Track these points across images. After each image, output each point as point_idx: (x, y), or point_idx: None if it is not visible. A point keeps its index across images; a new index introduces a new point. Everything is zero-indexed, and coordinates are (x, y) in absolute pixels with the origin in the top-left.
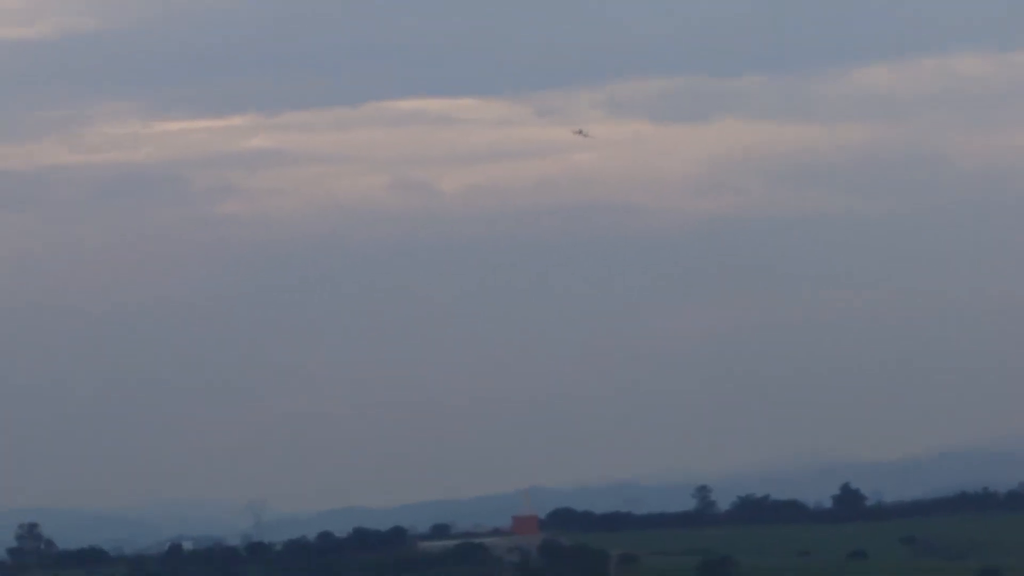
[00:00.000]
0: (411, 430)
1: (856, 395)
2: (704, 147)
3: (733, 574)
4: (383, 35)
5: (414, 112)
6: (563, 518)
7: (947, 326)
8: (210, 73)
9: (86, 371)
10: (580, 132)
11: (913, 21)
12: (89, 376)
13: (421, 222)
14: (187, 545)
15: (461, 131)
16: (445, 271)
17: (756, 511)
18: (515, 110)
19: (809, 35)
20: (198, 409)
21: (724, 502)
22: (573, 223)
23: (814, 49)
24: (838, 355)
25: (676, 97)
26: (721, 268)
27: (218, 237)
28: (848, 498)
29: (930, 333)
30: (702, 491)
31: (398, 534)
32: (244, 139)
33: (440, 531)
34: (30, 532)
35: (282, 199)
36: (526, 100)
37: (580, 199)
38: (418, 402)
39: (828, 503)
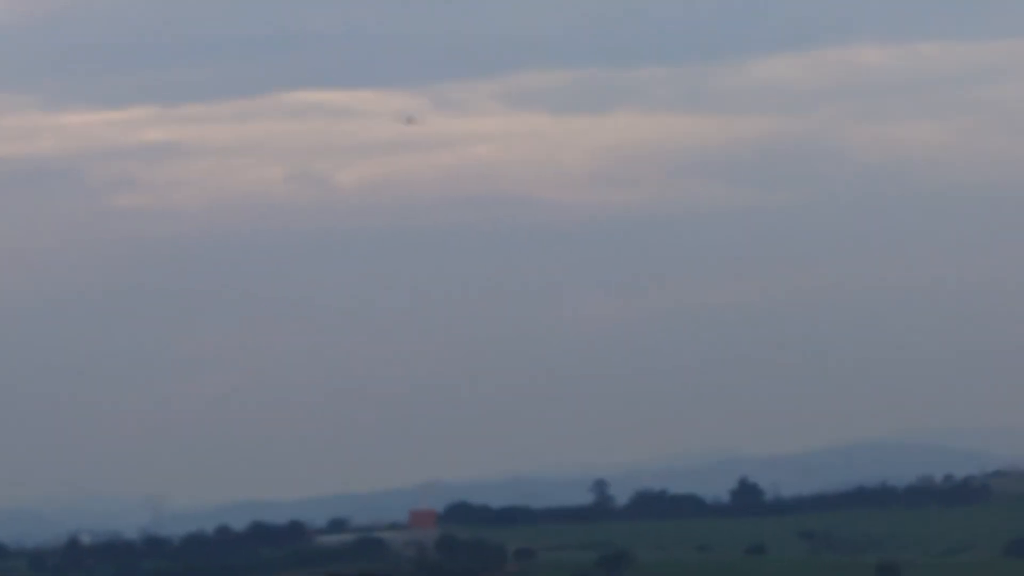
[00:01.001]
0: (310, 423)
1: (754, 388)
2: (603, 139)
3: (631, 569)
4: (281, 26)
5: (312, 104)
6: (461, 513)
7: (844, 319)
8: (109, 65)
9: None
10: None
11: (813, 12)
12: None
13: (317, 214)
14: (85, 539)
15: (359, 123)
16: (340, 264)
17: (654, 505)
18: (414, 102)
19: (707, 26)
20: (95, 402)
21: (622, 496)
22: (471, 215)
23: (712, 40)
24: (736, 348)
25: (574, 89)
26: (620, 260)
27: (116, 230)
28: (746, 492)
29: (827, 327)
30: (599, 485)
31: (296, 528)
32: (142, 131)
33: (338, 525)
34: None
35: (180, 191)
36: (424, 92)
37: (478, 191)
38: (316, 395)
39: (726, 497)
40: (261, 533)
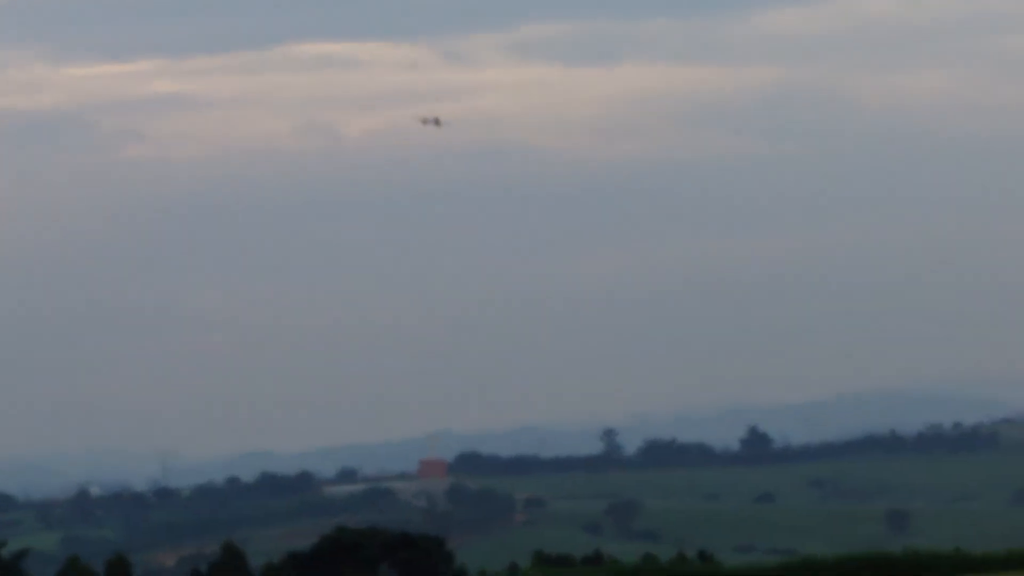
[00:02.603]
0: (318, 374)
1: (763, 338)
2: (610, 90)
3: (640, 517)
4: None
5: (319, 56)
6: (470, 462)
7: (853, 270)
8: (115, 18)
9: None
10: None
11: None
12: None
13: (324, 165)
14: (95, 491)
15: (366, 74)
16: (347, 213)
17: (663, 454)
18: (421, 53)
19: None
20: (105, 356)
21: (631, 446)
22: (478, 166)
23: None
24: (744, 299)
25: (581, 40)
26: (627, 211)
27: (124, 180)
28: (755, 441)
29: (836, 277)
30: (608, 434)
31: (305, 479)
32: (150, 83)
33: (347, 476)
34: None
35: (187, 143)
36: (432, 44)
37: (485, 142)
38: (325, 347)
39: (735, 446)
40: (270, 484)
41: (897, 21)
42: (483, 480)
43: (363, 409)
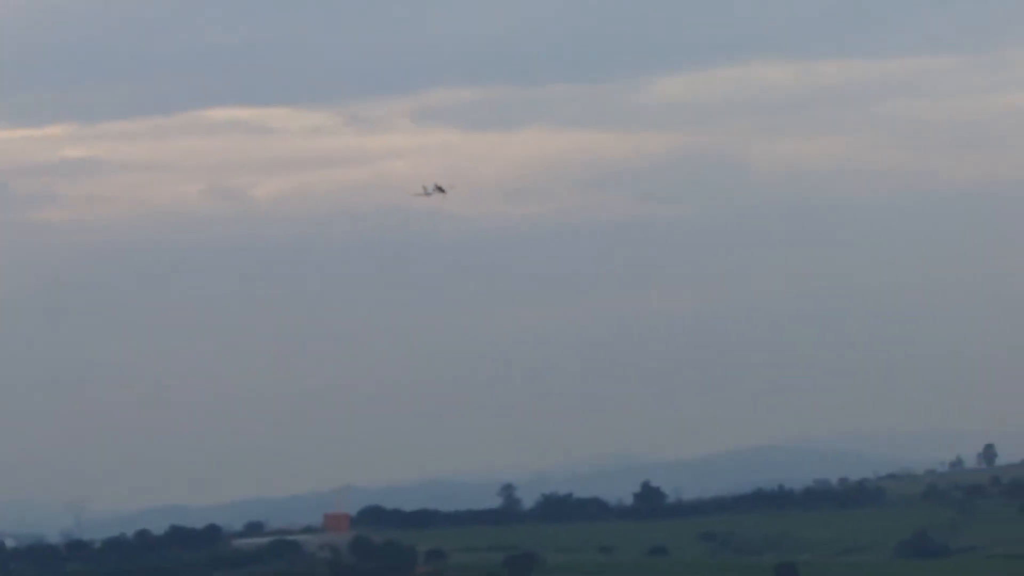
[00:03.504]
0: (224, 430)
1: (656, 395)
2: (512, 154)
3: (537, 570)
4: (197, 45)
5: (228, 121)
6: (373, 516)
7: (743, 327)
8: (27, 83)
9: None
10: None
11: (714, 31)
12: None
13: (233, 226)
14: (9, 543)
15: (274, 139)
16: (257, 273)
17: (560, 509)
18: (326, 118)
19: (613, 45)
20: (16, 409)
21: (529, 500)
22: (385, 228)
23: (618, 59)
24: (638, 356)
25: (484, 106)
26: (530, 271)
27: (38, 242)
28: (648, 495)
29: (726, 335)
30: (507, 489)
31: (214, 532)
32: (62, 148)
33: (254, 528)
34: None
35: (100, 206)
36: (337, 109)
37: (391, 205)
38: (233, 403)
39: (629, 500)
40: (180, 537)
41: (789, 88)
42: (386, 533)
43: (270, 464)
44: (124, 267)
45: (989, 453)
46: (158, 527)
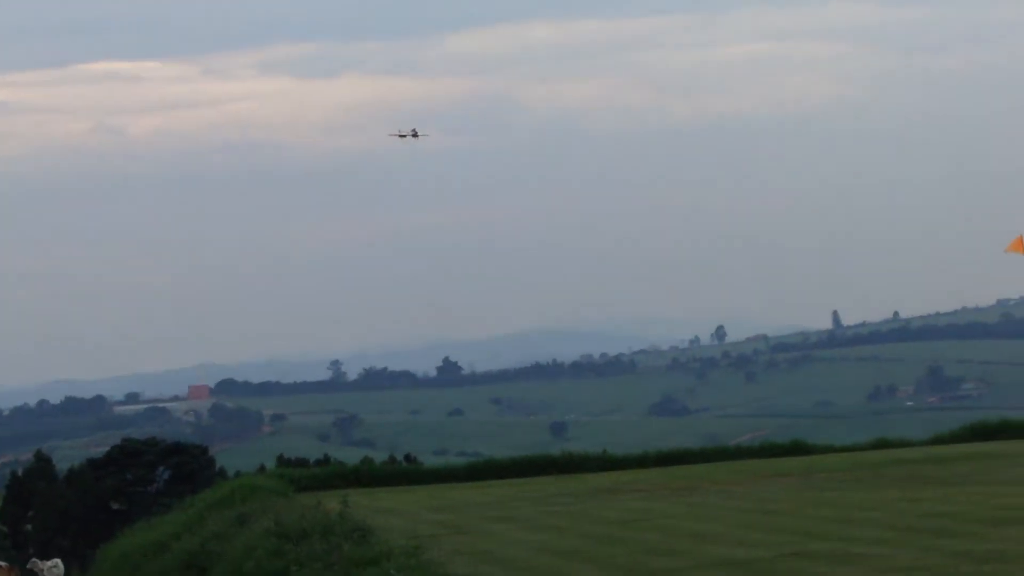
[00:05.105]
0: (114, 319)
1: (455, 288)
2: (335, 98)
3: (360, 428)
4: (82, 11)
5: (107, 72)
6: (228, 387)
7: (517, 235)
8: None
9: None
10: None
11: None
12: None
13: (117, 159)
14: None
15: (145, 87)
16: (137, 198)
17: (378, 379)
18: (186, 70)
19: (412, 9)
20: None
21: (353, 372)
22: (237, 159)
23: (417, 20)
24: (439, 259)
25: (312, 58)
26: (353, 190)
27: None
28: (449, 368)
29: (504, 240)
30: (335, 364)
31: (99, 401)
32: None
33: (132, 398)
34: None
35: (6, 141)
36: (196, 61)
37: (241, 140)
38: (121, 296)
39: (433, 373)
40: (72, 405)
41: (556, 43)
42: (238, 400)
43: (145, 345)
44: (29, 190)
45: (720, 333)
46: (55, 397)
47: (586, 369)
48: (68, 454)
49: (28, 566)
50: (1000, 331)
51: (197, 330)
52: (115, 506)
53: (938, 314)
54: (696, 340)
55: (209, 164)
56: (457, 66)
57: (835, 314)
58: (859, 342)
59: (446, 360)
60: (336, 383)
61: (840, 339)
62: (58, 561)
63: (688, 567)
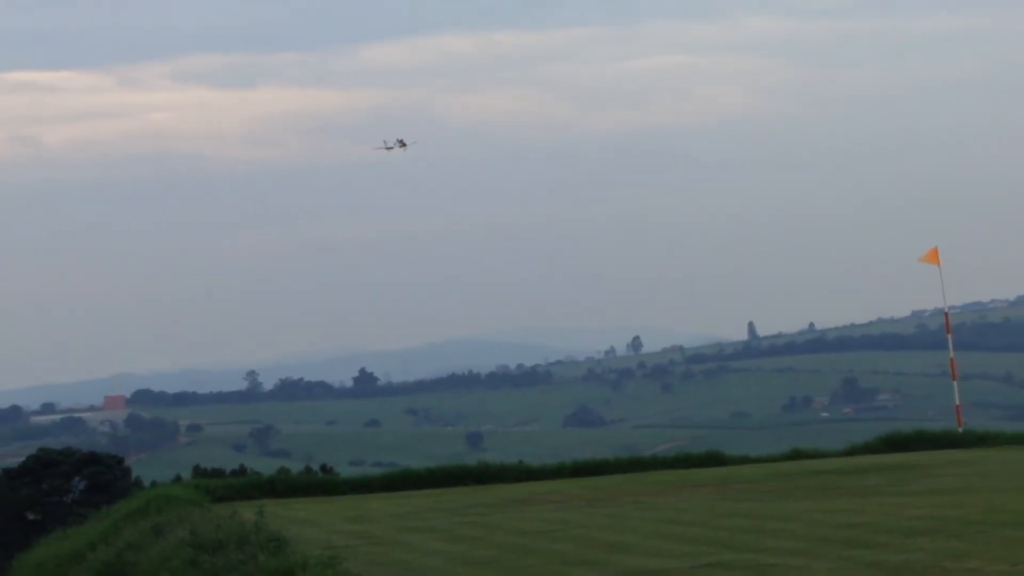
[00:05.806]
0: (27, 325)
1: (367, 299)
2: (252, 109)
3: (276, 439)
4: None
5: (24, 82)
6: (144, 397)
7: (433, 246)
8: None
9: None
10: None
11: (410, 6)
12: None
13: (32, 169)
14: None
15: (61, 97)
16: (53, 208)
17: (293, 390)
18: (102, 80)
19: (325, 22)
20: None
21: (269, 383)
22: (154, 169)
23: (330, 32)
24: (357, 267)
25: (228, 69)
26: (271, 202)
27: None
28: (365, 379)
29: (419, 252)
30: (252, 375)
31: (15, 411)
32: None
33: (48, 408)
34: None
35: None
36: (111, 72)
37: (159, 150)
38: (37, 300)
39: (349, 383)
40: None
41: (470, 55)
42: (154, 411)
43: (60, 354)
44: None
45: (636, 343)
46: None
47: (502, 380)
48: None
49: None
50: (915, 342)
51: (113, 340)
52: (31, 516)
53: (853, 325)
54: (612, 351)
55: (126, 174)
56: (371, 78)
57: (751, 325)
58: (775, 353)
59: (362, 371)
60: (252, 393)
61: (756, 350)
62: None
63: None
